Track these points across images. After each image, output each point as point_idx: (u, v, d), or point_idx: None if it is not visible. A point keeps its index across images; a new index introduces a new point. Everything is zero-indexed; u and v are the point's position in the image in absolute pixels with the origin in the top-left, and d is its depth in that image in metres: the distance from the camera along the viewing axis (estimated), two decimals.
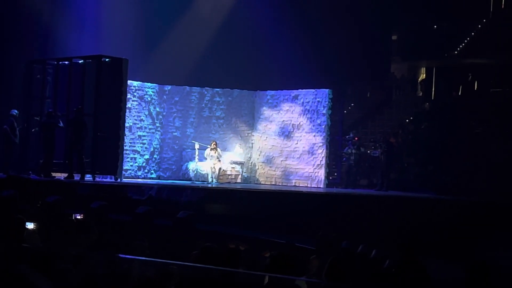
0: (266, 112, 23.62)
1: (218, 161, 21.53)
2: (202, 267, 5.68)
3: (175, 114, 23.06)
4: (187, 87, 23.30)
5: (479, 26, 30.92)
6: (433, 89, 31.87)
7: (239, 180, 22.70)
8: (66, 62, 20.38)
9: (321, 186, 21.83)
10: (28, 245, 7.49)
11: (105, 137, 19.45)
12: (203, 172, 21.96)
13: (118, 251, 7.64)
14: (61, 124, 19.28)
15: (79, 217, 12.78)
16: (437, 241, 14.15)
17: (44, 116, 19.96)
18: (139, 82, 22.25)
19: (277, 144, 23.22)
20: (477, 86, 29.40)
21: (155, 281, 4.90)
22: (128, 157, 21.77)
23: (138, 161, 22.33)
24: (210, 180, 21.34)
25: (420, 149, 23.82)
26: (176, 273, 5.41)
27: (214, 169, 21.40)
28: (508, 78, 28.18)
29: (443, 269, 11.61)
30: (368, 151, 24.05)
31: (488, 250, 12.79)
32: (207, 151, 21.60)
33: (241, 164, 22.99)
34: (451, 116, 25.35)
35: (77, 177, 18.87)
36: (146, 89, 22.51)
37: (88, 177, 19.18)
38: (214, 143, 21.71)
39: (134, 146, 22.19)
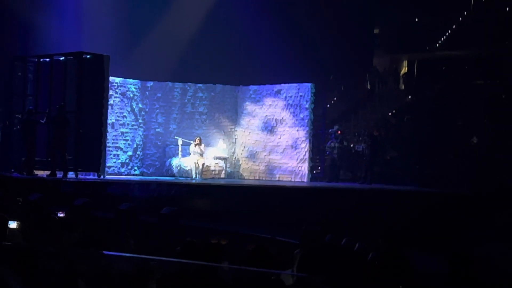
0: (249, 107, 23.61)
1: (201, 157, 21.51)
2: (183, 262, 5.68)
3: (157, 110, 23.00)
4: (169, 83, 23.24)
5: (460, 18, 31.09)
6: (415, 82, 31.99)
7: (222, 176, 22.70)
8: (47, 59, 20.26)
9: (305, 180, 21.86)
10: (10, 243, 7.44)
11: (87, 134, 19.38)
12: (187, 168, 21.93)
13: (102, 248, 7.62)
14: (43, 121, 19.21)
15: (62, 215, 12.72)
16: (420, 233, 14.21)
17: (25, 114, 19.85)
18: (121, 79, 22.16)
19: (261, 139, 23.22)
20: (459, 78, 29.51)
21: (136, 277, 4.89)
22: (111, 154, 21.70)
23: (121, 157, 22.26)
24: (194, 176, 21.32)
25: (403, 142, 23.90)
26: (157, 269, 5.41)
27: (197, 164, 21.38)
28: (490, 70, 28.33)
29: (426, 261, 11.66)
30: (352, 145, 24.10)
31: (470, 241, 12.87)
32: (192, 147, 21.57)
33: (224, 159, 22.98)
34: (433, 109, 25.43)
35: (59, 174, 18.79)
36: (128, 86, 22.43)
37: (71, 175, 19.09)
38: (198, 139, 21.68)
39: (117, 143, 22.11)
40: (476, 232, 14.10)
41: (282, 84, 22.96)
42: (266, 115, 23.13)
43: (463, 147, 22.88)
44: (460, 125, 24.67)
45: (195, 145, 21.51)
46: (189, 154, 21.75)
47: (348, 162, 23.79)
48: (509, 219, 14.68)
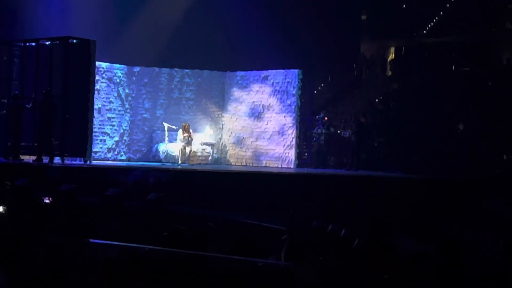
0: (236, 93, 23.58)
1: (188, 144, 21.43)
2: (170, 251, 5.68)
3: (144, 96, 22.93)
4: (156, 68, 23.15)
5: (447, 5, 31.09)
6: (402, 68, 32.00)
7: (209, 162, 22.68)
8: (33, 44, 20.12)
9: (292, 166, 21.89)
10: None
11: (74, 119, 19.29)
12: (173, 154, 21.90)
13: (88, 234, 7.60)
14: (29, 105, 19.12)
15: (47, 200, 12.68)
16: (407, 220, 14.26)
17: (10, 99, 19.74)
18: (107, 64, 22.06)
19: (247, 125, 23.21)
20: (446, 65, 29.57)
21: (122, 265, 4.88)
22: (97, 139, 21.63)
23: (108, 143, 22.20)
24: (180, 161, 21.25)
25: (389, 129, 23.95)
26: (144, 256, 5.40)
27: (184, 150, 21.31)
28: (476, 57, 28.40)
29: (412, 247, 11.71)
30: (339, 131, 24.12)
31: (456, 228, 12.94)
32: (180, 133, 21.49)
33: (211, 145, 22.96)
34: (420, 96, 25.48)
35: (46, 159, 18.71)
36: (115, 71, 22.34)
37: (57, 160, 19.02)
38: (186, 125, 21.57)
39: (104, 128, 22.04)
40: (462, 219, 14.16)
41: (269, 70, 22.93)
42: (253, 101, 23.11)
43: (449, 133, 22.95)
44: (446, 112, 24.74)
45: (183, 131, 21.40)
46: (176, 140, 21.68)
47: (335, 149, 23.81)
48: (494, 206, 14.76)
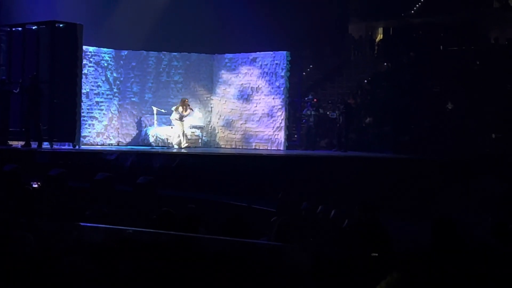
0: (225, 75, 23.51)
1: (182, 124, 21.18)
2: (159, 233, 5.68)
3: (132, 80, 22.85)
4: (144, 51, 23.06)
5: None
6: (391, 49, 32.01)
7: (199, 145, 22.66)
8: (20, 29, 19.98)
9: (281, 148, 21.90)
10: None
11: (61, 104, 19.21)
12: (163, 137, 21.86)
13: (77, 219, 7.58)
14: (16, 91, 19.01)
15: (36, 185, 12.64)
16: (396, 200, 14.31)
17: None
18: (95, 48, 21.97)
19: (236, 107, 23.17)
20: (434, 45, 29.58)
21: (107, 248, 4.88)
22: (86, 124, 21.58)
23: (97, 127, 22.14)
24: (184, 145, 21.03)
25: (378, 109, 23.98)
26: (129, 238, 5.40)
27: (185, 132, 21.15)
28: (464, 37, 28.42)
29: (402, 227, 11.76)
30: (328, 112, 24.12)
31: (446, 208, 12.98)
32: (180, 110, 21.06)
33: (200, 128, 22.93)
34: (408, 76, 25.50)
35: (34, 145, 18.65)
36: (103, 55, 22.24)
37: (45, 145, 18.96)
38: (185, 100, 21.34)
39: (92, 113, 21.98)
40: (451, 199, 14.21)
41: (258, 52, 22.86)
42: (242, 84, 23.06)
43: (438, 113, 22.99)
44: (435, 92, 24.77)
45: (183, 108, 21.10)
46: (174, 121, 21.28)
47: (324, 130, 23.84)
48: (483, 185, 14.82)
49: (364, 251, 6.30)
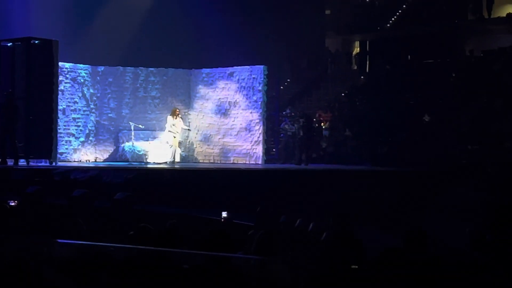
0: (202, 90, 23.52)
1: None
2: (136, 248, 5.65)
3: (109, 95, 22.78)
4: (120, 67, 23.00)
5: None
6: (367, 62, 32.21)
7: (177, 160, 22.57)
8: None
9: (260, 162, 21.90)
10: None
11: (38, 120, 19.07)
12: (140, 153, 21.81)
13: (54, 236, 7.51)
14: None
15: (13, 203, 12.53)
16: (374, 212, 14.36)
17: None
18: (71, 64, 21.88)
19: (214, 122, 23.17)
20: (410, 58, 29.80)
21: (84, 263, 4.85)
22: (63, 140, 21.46)
23: (74, 144, 22.03)
24: (170, 159, 20.97)
25: (356, 122, 24.09)
26: (106, 254, 5.37)
27: (179, 145, 21.12)
28: (440, 49, 28.63)
29: (378, 239, 11.79)
30: (286, 126, 23.95)
31: (421, 218, 13.04)
32: (172, 121, 20.87)
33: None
34: (385, 89, 25.67)
35: (10, 162, 18.49)
36: (79, 71, 22.16)
37: (22, 162, 18.81)
38: (176, 110, 21.31)
39: (69, 129, 21.87)
40: (428, 210, 14.29)
41: (235, 67, 22.91)
42: (220, 98, 23.07)
43: (415, 125, 23.13)
44: (411, 104, 24.93)
45: (174, 118, 21.01)
46: (168, 133, 21.16)
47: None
48: (460, 196, 14.91)
49: (343, 264, 6.32)
